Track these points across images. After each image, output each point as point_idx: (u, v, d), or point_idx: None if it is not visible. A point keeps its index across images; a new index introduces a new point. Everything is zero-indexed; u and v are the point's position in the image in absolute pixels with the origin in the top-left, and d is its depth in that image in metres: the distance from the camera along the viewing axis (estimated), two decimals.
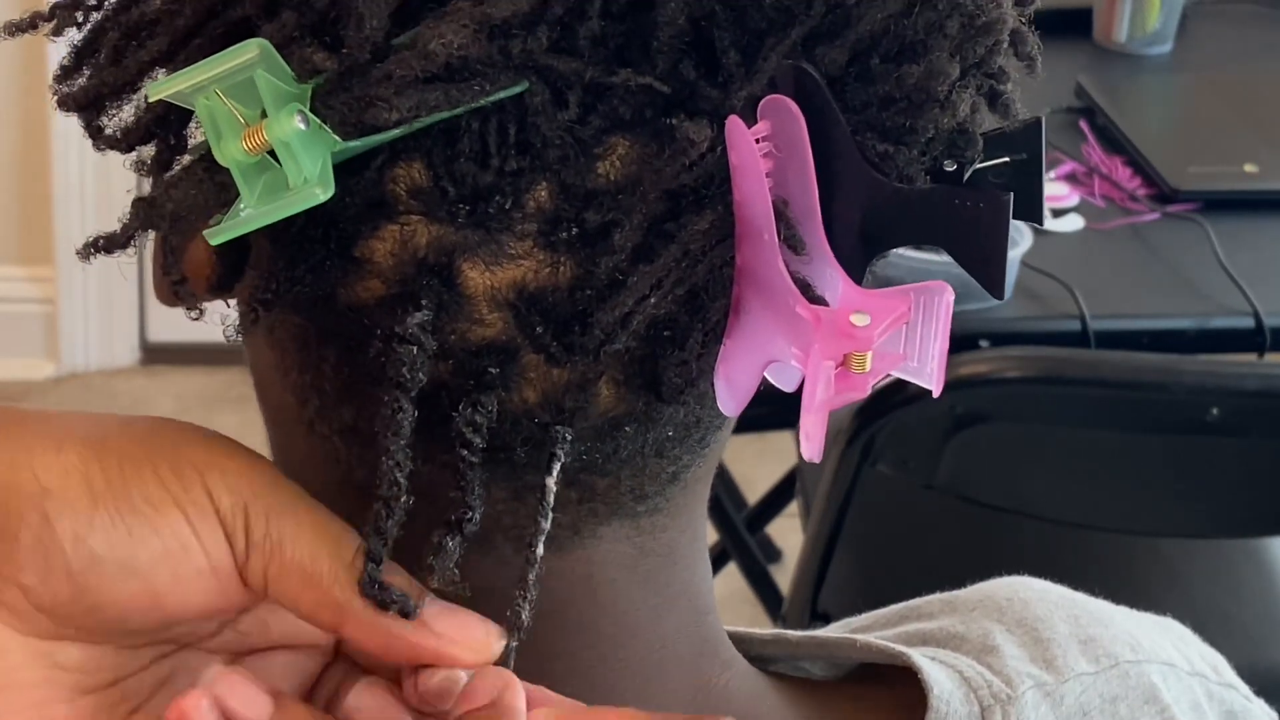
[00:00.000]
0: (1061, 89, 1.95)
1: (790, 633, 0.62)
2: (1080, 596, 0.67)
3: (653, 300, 0.47)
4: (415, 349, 0.47)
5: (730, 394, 0.49)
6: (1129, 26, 2.10)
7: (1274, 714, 0.68)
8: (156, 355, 2.96)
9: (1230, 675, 0.68)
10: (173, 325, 2.92)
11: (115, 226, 0.48)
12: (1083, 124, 1.90)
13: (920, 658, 0.60)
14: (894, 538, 1.85)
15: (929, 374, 0.48)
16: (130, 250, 0.49)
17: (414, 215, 0.47)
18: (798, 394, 0.47)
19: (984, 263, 0.47)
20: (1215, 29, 2.22)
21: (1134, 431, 1.58)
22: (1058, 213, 1.74)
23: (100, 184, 2.84)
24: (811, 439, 0.46)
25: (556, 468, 0.49)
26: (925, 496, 1.69)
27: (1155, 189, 1.78)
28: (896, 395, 1.53)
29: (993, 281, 0.47)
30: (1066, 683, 0.62)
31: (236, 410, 2.78)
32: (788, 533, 2.32)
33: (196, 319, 0.53)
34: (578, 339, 0.48)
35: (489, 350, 0.48)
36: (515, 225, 0.47)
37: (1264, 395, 1.52)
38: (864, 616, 0.68)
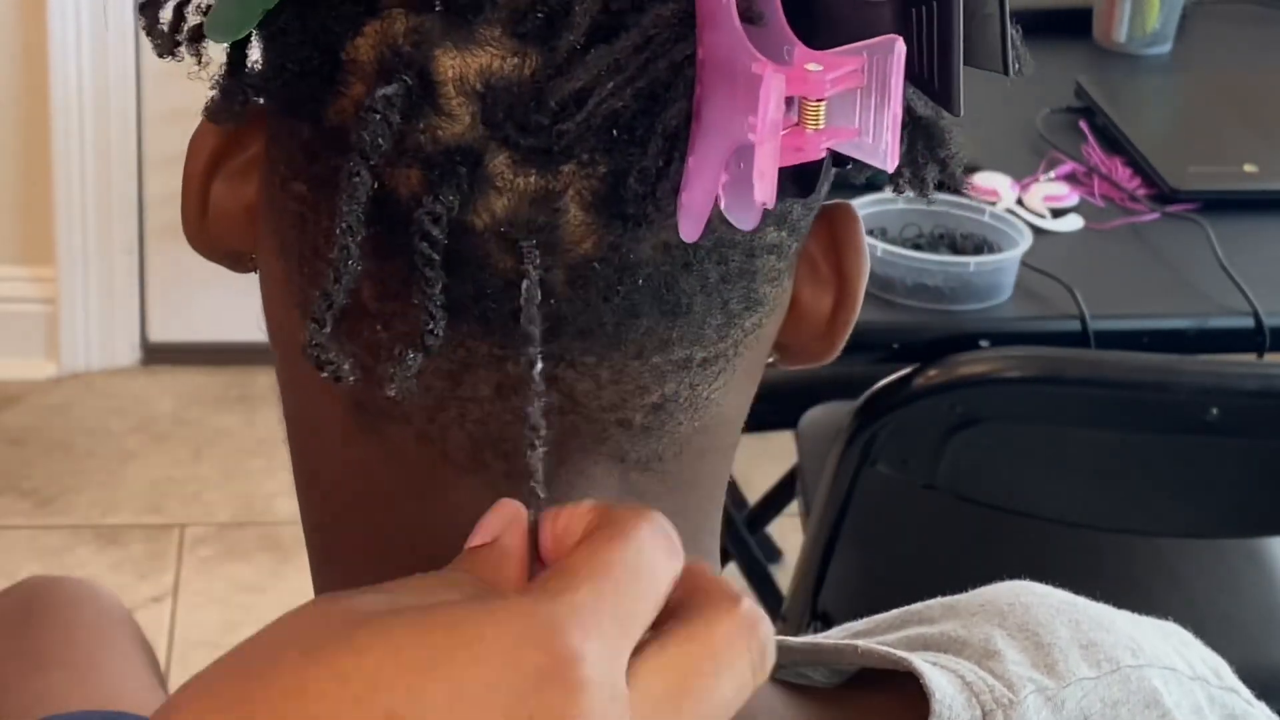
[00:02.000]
0: (1061, 89, 1.95)
1: (790, 639, 0.62)
2: (1082, 601, 0.67)
3: (610, 85, 0.48)
4: (379, 116, 0.49)
5: (688, 215, 0.49)
6: (1129, 26, 2.10)
7: (1275, 717, 0.68)
8: (156, 355, 2.95)
9: (1232, 679, 0.68)
10: (173, 325, 2.92)
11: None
12: (1083, 124, 1.90)
13: (922, 663, 0.60)
14: (894, 538, 1.85)
15: (883, 151, 0.47)
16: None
17: (395, 9, 0.50)
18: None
19: (936, 67, 0.47)
20: (1215, 29, 2.21)
21: (1134, 431, 1.58)
22: (1057, 213, 1.74)
23: (100, 184, 2.83)
24: (764, 176, 0.45)
25: (530, 285, 0.50)
26: (925, 496, 1.69)
27: (1155, 189, 1.78)
28: (896, 395, 1.53)
29: (946, 89, 0.47)
30: (1068, 687, 0.62)
31: (236, 410, 2.77)
32: (788, 533, 2.32)
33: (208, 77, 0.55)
34: (541, 125, 0.49)
35: (457, 151, 0.50)
36: (486, 11, 0.49)
37: (1264, 395, 1.52)
38: (864, 621, 0.68)
